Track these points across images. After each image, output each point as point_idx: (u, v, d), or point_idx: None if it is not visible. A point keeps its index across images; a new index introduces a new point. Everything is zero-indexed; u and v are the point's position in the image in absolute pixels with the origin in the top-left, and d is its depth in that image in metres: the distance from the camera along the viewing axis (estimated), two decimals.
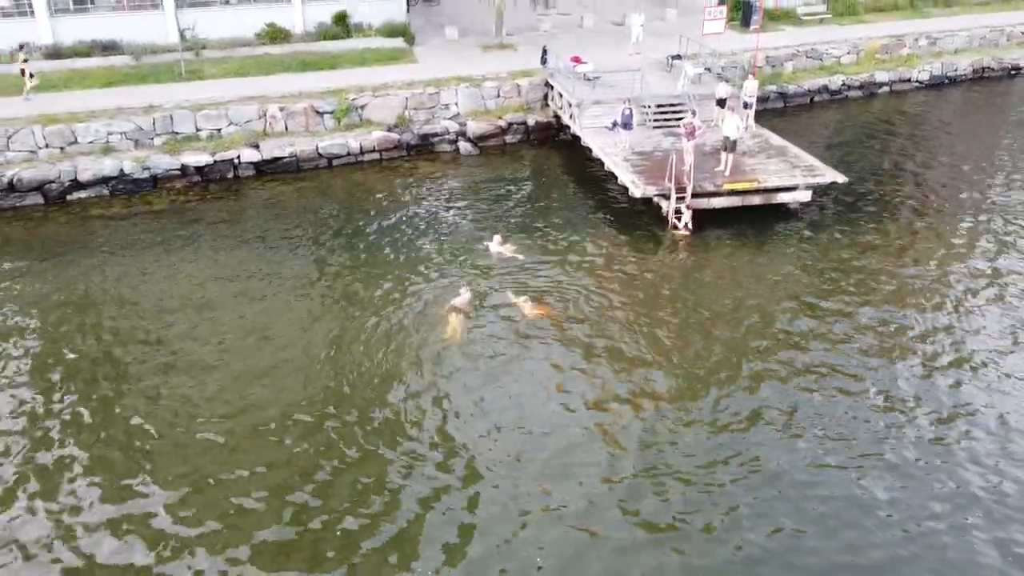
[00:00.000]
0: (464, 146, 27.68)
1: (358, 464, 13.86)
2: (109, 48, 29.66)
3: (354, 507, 12.95)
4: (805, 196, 22.45)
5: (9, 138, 24.05)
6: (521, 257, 20.41)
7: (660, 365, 16.32)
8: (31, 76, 26.26)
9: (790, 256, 20.66)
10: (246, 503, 13.05)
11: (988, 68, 35.90)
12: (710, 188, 21.83)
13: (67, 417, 15.05)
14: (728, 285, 19.32)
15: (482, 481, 13.45)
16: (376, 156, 26.92)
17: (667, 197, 21.65)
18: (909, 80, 34.43)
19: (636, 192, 21.62)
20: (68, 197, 23.98)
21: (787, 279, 19.57)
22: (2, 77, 27.58)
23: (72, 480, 13.57)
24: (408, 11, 34.57)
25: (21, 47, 27.76)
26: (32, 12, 29.08)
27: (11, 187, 23.45)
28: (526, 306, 18.10)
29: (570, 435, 14.45)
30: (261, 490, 13.28)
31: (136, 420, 14.93)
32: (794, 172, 22.64)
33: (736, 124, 22.49)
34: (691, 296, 18.89)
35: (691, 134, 21.53)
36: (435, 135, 27.66)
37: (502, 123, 28.41)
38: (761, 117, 27.24)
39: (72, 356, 16.91)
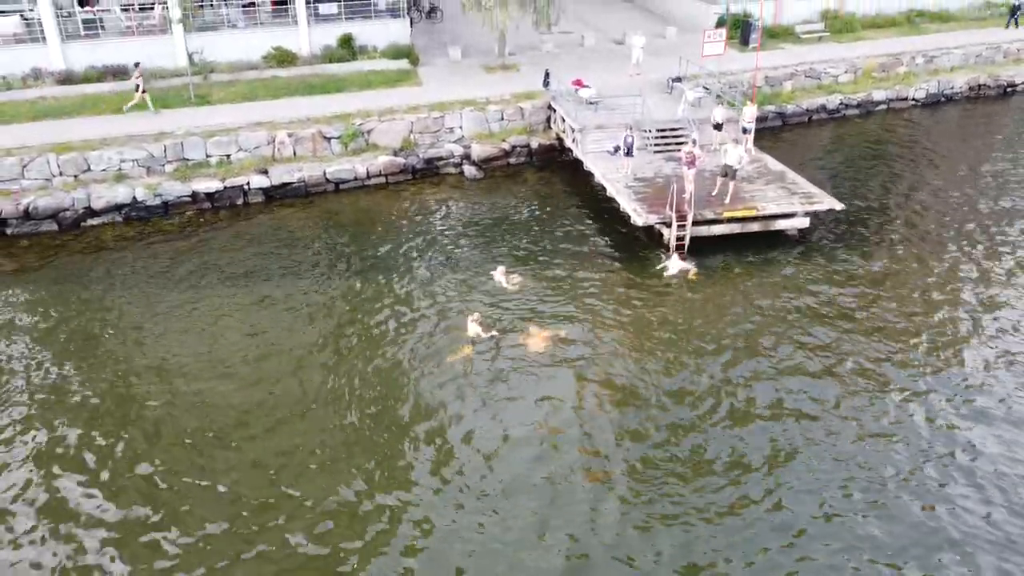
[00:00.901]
0: (469, 169, 28.21)
1: (355, 502, 14.43)
2: (120, 73, 30.20)
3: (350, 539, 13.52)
4: (803, 223, 22.98)
5: (25, 166, 24.63)
6: (526, 285, 20.93)
7: (652, 404, 16.77)
8: (143, 92, 27.64)
9: (788, 286, 21.08)
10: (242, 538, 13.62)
11: (984, 86, 36.39)
12: (710, 216, 22.36)
13: (75, 448, 15.60)
14: (725, 314, 19.82)
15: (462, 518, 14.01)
16: (382, 180, 27.47)
17: (668, 225, 22.19)
18: (906, 98, 34.93)
19: (638, 221, 22.15)
20: (82, 224, 24.53)
21: (784, 310, 20.04)
22: (18, 103, 28.15)
23: (79, 508, 14.14)
24: (411, 27, 35.11)
25: (136, 64, 28.99)
26: (44, 39, 29.65)
27: (27, 215, 24.01)
28: (526, 339, 18.56)
29: (556, 478, 14.90)
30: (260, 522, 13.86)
31: (142, 458, 15.49)
32: (792, 199, 23.17)
33: (739, 155, 23.02)
34: (686, 326, 19.35)
35: (691, 163, 22.06)
36: (440, 159, 28.21)
37: (506, 146, 28.96)
38: (760, 136, 27.77)
39: (82, 385, 17.48)
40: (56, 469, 15.17)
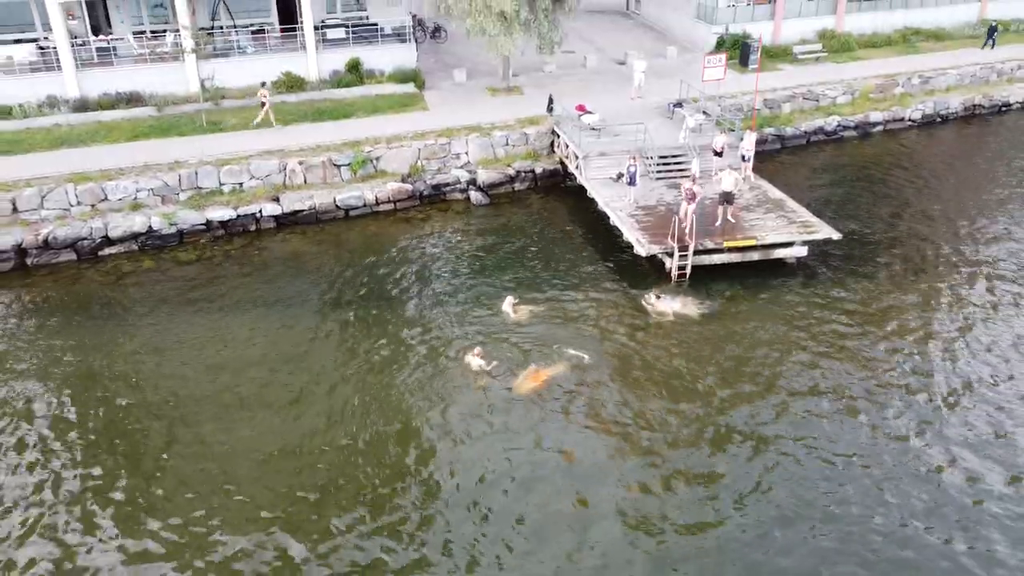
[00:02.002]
0: (475, 195, 28.89)
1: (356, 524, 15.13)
2: (133, 100, 30.87)
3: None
4: (801, 252, 23.66)
5: (43, 197, 25.31)
6: (532, 317, 21.56)
7: (647, 451, 17.35)
8: (266, 108, 29.64)
9: (789, 315, 21.75)
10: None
11: (979, 106, 37.06)
12: (711, 245, 23.05)
13: (89, 479, 16.29)
14: (723, 346, 20.44)
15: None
16: (391, 206, 28.14)
17: (670, 255, 22.87)
18: (903, 119, 35.61)
19: (642, 251, 22.84)
20: (100, 253, 25.19)
21: (780, 339, 20.72)
22: (35, 131, 28.84)
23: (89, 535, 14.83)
24: (416, 48, 35.76)
25: (263, 84, 30.78)
26: (59, 67, 30.33)
27: (46, 244, 24.68)
28: (526, 378, 19.04)
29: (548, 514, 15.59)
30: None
31: (155, 494, 16.19)
32: (791, 228, 23.86)
33: (735, 180, 23.85)
34: (684, 358, 19.96)
35: (692, 199, 22.70)
36: (447, 185, 28.89)
37: (511, 171, 29.64)
38: (760, 158, 28.38)
39: (96, 416, 18.24)
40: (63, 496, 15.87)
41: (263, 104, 29.57)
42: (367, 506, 15.71)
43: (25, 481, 16.39)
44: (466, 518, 15.40)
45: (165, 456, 17.05)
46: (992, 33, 40.50)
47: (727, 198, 24.04)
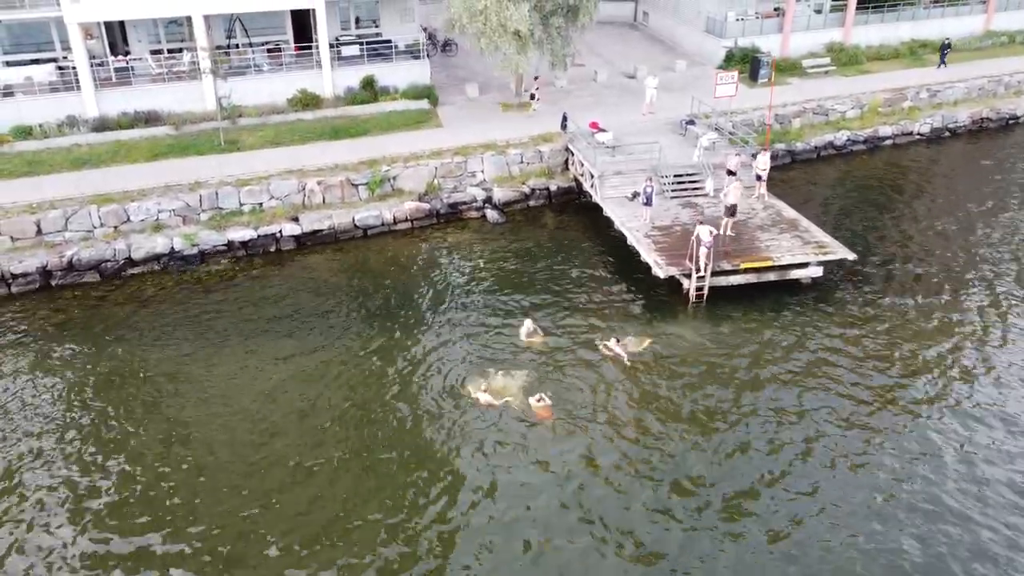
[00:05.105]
0: (491, 214, 29.21)
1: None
2: (151, 119, 31.17)
3: None
4: (816, 272, 24.00)
5: (68, 219, 25.64)
6: (547, 342, 21.83)
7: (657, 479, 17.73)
8: (534, 99, 33.96)
9: (805, 335, 22.14)
10: None
11: (986, 119, 37.42)
12: (728, 267, 23.39)
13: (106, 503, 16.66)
14: (738, 368, 20.83)
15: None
16: (408, 225, 28.47)
17: (688, 276, 23.21)
18: (911, 133, 35.96)
19: (660, 273, 23.18)
20: (123, 274, 25.52)
21: (802, 360, 21.11)
22: (55, 151, 29.17)
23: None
24: (429, 61, 36.08)
25: (536, 77, 34.46)
26: (78, 86, 30.63)
27: (70, 266, 25.01)
28: (536, 407, 19.24)
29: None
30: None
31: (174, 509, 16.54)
32: (806, 248, 24.20)
33: (739, 192, 24.49)
34: (699, 384, 20.35)
35: (709, 246, 22.74)
36: (463, 203, 29.22)
37: (526, 189, 29.98)
38: (771, 173, 28.38)
39: (119, 438, 18.71)
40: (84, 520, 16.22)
41: (532, 96, 33.98)
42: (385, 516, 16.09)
43: (36, 495, 16.93)
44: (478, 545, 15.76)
45: (175, 482, 17.41)
46: (944, 51, 39.56)
47: (731, 211, 24.49)
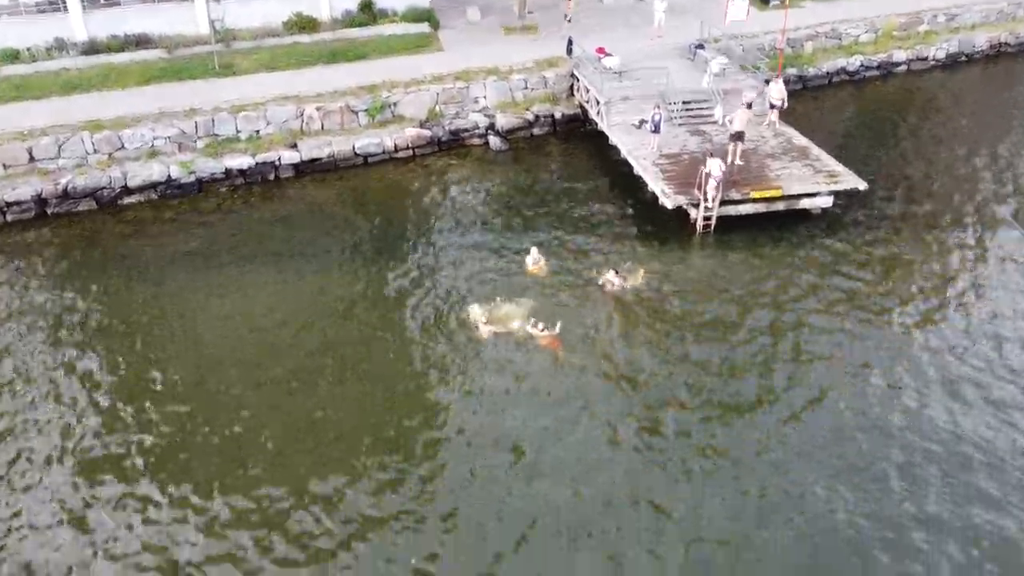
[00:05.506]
0: (494, 141, 28.51)
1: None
2: (142, 42, 30.17)
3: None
4: (826, 202, 23.49)
5: (60, 146, 25.01)
6: (552, 271, 21.44)
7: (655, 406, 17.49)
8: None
9: (812, 265, 21.79)
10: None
11: (1005, 44, 36.23)
12: (737, 196, 22.88)
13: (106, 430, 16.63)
14: (745, 296, 20.48)
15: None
16: (409, 153, 27.82)
17: (696, 205, 22.72)
18: (926, 59, 34.87)
19: (667, 203, 22.67)
20: (119, 202, 25.03)
21: (803, 290, 20.75)
22: (44, 75, 28.28)
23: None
24: None
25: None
26: (65, 7, 29.52)
27: (66, 194, 24.51)
28: (541, 335, 18.87)
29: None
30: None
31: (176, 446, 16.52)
32: (816, 178, 23.62)
33: (745, 119, 23.97)
34: (704, 312, 20.03)
35: (719, 179, 22.07)
36: (465, 130, 28.49)
37: (530, 116, 29.20)
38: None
39: (117, 367, 18.53)
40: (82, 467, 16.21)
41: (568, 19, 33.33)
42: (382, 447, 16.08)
43: (37, 419, 16.99)
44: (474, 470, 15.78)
45: (184, 408, 17.32)
46: None
47: (738, 136, 23.89)
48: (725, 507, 14.86)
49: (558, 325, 19.07)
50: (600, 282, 20.90)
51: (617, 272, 20.94)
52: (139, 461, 16.06)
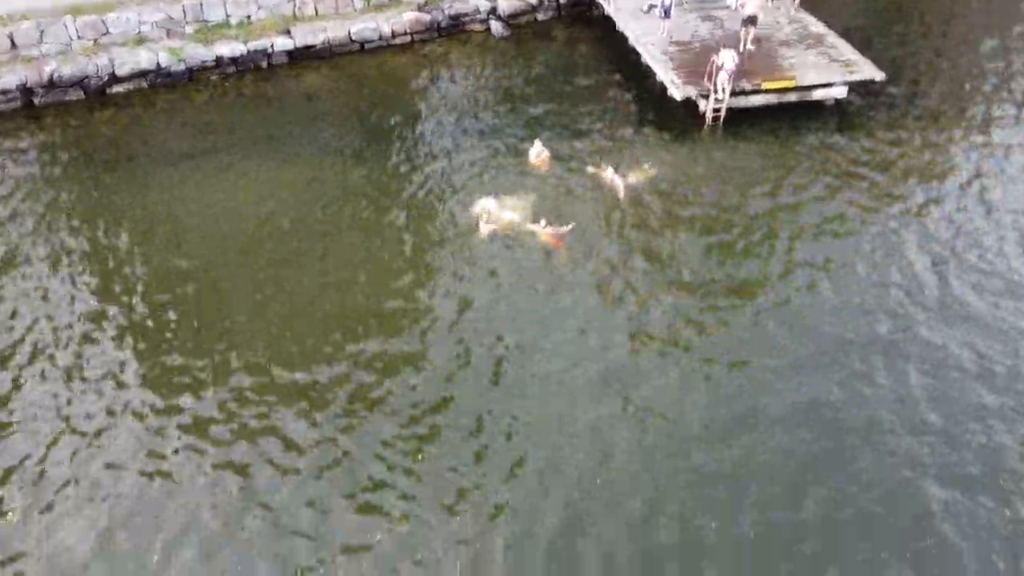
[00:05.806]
0: (495, 26, 27.28)
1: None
2: None
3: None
4: (841, 92, 22.64)
5: (42, 31, 23.90)
6: (555, 163, 20.86)
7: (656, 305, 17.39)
8: None
9: (820, 159, 21.11)
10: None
11: None
12: (748, 87, 22.02)
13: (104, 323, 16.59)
14: (754, 189, 19.92)
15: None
16: (407, 39, 26.68)
17: (706, 97, 21.91)
18: None
19: (676, 94, 21.84)
20: (108, 91, 24.17)
21: (814, 183, 20.23)
22: None
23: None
24: None
25: None
26: None
27: (51, 83, 23.61)
28: (544, 232, 18.45)
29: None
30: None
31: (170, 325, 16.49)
32: (831, 67, 22.69)
33: (760, 2, 23.15)
34: (712, 204, 19.57)
35: (731, 72, 21.12)
36: (466, 15, 27.20)
37: (534, 0, 27.82)
38: None
39: (115, 247, 18.34)
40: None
41: None
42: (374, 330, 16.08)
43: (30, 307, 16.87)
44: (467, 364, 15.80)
45: (181, 297, 17.22)
46: None
47: (751, 21, 22.87)
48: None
49: (570, 224, 18.61)
50: (602, 176, 20.38)
51: (616, 169, 20.36)
52: (144, 340, 16.10)
